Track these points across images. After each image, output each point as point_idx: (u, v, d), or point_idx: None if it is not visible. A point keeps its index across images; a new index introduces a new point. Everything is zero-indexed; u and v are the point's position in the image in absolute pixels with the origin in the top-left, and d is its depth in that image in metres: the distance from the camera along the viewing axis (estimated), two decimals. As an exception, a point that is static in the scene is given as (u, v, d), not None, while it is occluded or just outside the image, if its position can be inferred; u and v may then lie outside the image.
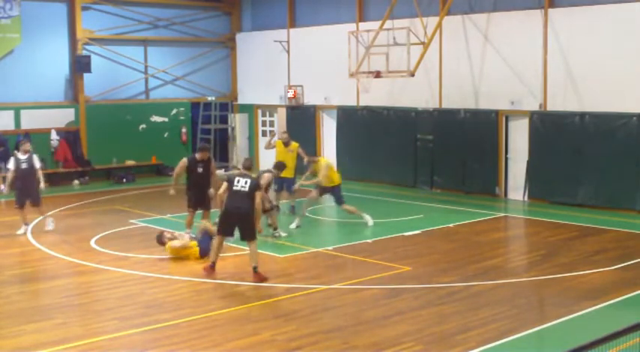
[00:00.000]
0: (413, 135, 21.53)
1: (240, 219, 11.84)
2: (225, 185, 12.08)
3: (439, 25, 19.42)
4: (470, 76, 20.30)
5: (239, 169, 16.88)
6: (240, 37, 27.08)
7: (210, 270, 12.06)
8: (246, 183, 11.89)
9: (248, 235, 11.87)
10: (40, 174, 15.74)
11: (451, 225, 16.19)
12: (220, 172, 21.85)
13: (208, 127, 26.14)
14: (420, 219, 17.03)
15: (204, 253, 13.07)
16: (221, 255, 13.15)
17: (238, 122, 26.73)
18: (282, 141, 17.85)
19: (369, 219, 16.15)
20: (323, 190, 16.22)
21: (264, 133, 26.48)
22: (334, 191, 16.21)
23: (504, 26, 19.53)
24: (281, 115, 25.58)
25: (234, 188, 11.87)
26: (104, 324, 9.88)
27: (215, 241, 12.22)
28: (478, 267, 12.63)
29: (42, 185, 15.86)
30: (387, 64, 19.42)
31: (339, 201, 16.31)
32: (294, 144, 17.61)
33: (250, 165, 12.95)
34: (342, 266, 13.01)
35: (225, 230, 12.04)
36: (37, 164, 15.69)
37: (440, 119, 20.92)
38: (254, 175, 15.09)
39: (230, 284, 11.59)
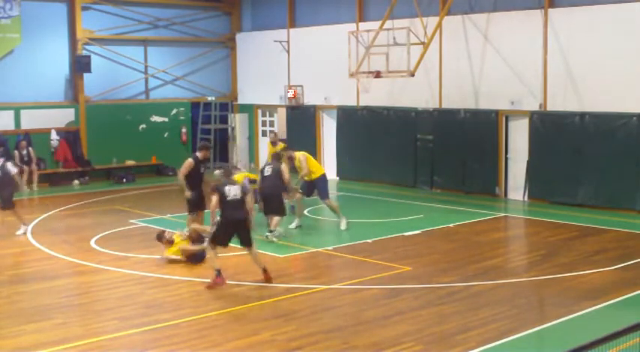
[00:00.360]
0: (413, 135, 21.53)
1: (240, 226, 11.72)
2: (215, 198, 11.69)
3: (439, 25, 19.41)
4: (470, 76, 20.30)
5: (239, 169, 16.91)
6: (240, 37, 27.09)
7: (220, 279, 11.52)
8: (237, 190, 11.75)
9: (248, 240, 11.78)
10: (24, 177, 15.87)
11: (451, 225, 16.19)
12: (219, 172, 21.83)
13: (208, 127, 26.15)
14: (420, 219, 17.03)
15: (200, 259, 13.04)
16: (221, 255, 13.16)
17: (238, 122, 26.74)
18: (270, 140, 17.98)
19: (344, 223, 15.84)
20: (310, 187, 15.95)
21: (264, 133, 26.50)
22: (319, 183, 15.88)
23: (504, 26, 19.53)
24: (281, 115, 25.59)
25: (228, 199, 11.64)
26: (104, 324, 9.88)
27: (210, 254, 11.78)
28: (478, 267, 12.63)
29: (23, 188, 16.50)
30: (387, 64, 19.41)
31: (323, 194, 15.97)
32: (281, 145, 17.60)
33: (231, 172, 12.60)
34: (342, 266, 13.01)
35: (222, 240, 11.73)
36: (13, 170, 15.66)
37: (440, 119, 20.92)
38: (270, 169, 15.05)
39: (230, 284, 11.58)
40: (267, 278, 11.73)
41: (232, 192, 11.71)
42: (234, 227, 11.71)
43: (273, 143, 17.75)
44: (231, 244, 13.26)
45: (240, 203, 11.70)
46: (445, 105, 20.89)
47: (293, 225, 15.85)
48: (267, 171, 14.96)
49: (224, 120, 26.80)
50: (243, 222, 11.73)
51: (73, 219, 17.48)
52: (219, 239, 11.74)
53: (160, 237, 13.57)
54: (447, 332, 9.40)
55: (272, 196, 14.71)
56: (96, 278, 12.30)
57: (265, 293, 11.16)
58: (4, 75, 22.70)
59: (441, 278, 11.93)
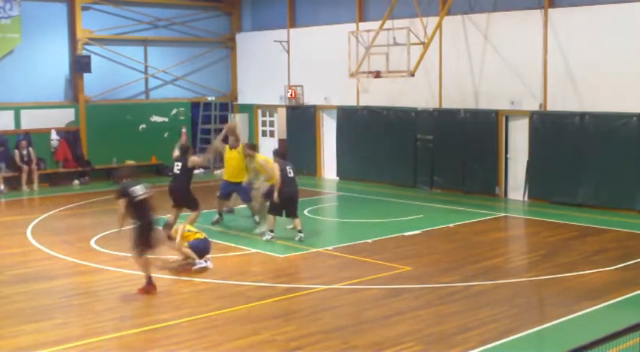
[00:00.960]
0: (413, 135, 21.52)
1: (154, 227, 11.35)
2: (123, 202, 11.04)
3: (439, 25, 19.41)
4: (470, 76, 20.30)
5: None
6: (240, 37, 27.08)
7: (150, 286, 11.06)
8: (143, 189, 11.16)
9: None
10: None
11: (451, 225, 16.18)
12: (219, 172, 21.86)
13: (208, 127, 26.14)
14: (420, 219, 17.02)
15: (203, 252, 12.98)
16: (221, 254, 13.22)
17: (238, 122, 26.70)
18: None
19: (266, 233, 14.85)
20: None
21: (264, 133, 26.50)
22: (246, 189, 16.08)
23: (504, 26, 19.52)
24: (281, 115, 25.57)
25: (138, 200, 11.03)
26: (104, 324, 9.87)
27: (140, 261, 11.22)
28: (478, 267, 12.63)
29: None
30: (387, 64, 19.41)
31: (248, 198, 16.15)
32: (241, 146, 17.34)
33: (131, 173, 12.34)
34: (342, 266, 13.00)
35: (146, 245, 11.17)
36: None
37: (440, 119, 20.91)
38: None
39: (230, 285, 11.58)
40: (148, 290, 11.04)
41: (139, 191, 11.11)
42: (151, 229, 11.17)
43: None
44: (229, 244, 13.29)
45: (149, 202, 11.15)
46: (445, 105, 20.89)
47: (291, 226, 15.79)
48: (291, 173, 14.69)
49: (224, 120, 26.78)
50: (154, 223, 11.31)
51: (73, 219, 17.48)
52: (143, 243, 11.10)
53: (167, 226, 13.26)
54: (446, 332, 9.40)
55: (296, 197, 14.75)
56: (96, 278, 12.30)
57: (265, 293, 11.16)
58: (4, 75, 22.69)
59: (441, 278, 11.92)
